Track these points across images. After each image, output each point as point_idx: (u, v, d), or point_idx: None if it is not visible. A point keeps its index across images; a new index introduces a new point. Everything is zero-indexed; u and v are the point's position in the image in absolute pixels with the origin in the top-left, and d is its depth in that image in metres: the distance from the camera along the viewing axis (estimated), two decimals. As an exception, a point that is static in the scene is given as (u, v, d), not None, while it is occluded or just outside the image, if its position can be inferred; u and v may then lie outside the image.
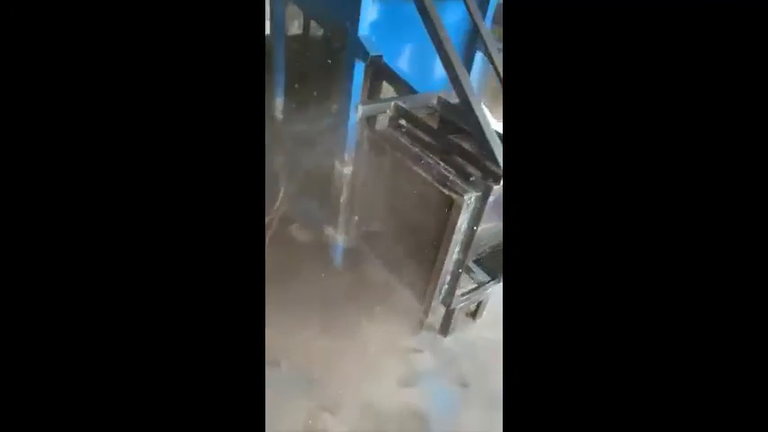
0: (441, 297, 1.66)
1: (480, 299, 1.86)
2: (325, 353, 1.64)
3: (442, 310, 1.79)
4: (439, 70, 1.75)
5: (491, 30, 1.82)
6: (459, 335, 1.85)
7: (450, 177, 1.46)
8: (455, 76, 1.44)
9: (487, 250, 1.76)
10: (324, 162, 1.78)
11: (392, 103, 1.71)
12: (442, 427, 1.52)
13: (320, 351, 1.65)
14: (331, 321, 1.75)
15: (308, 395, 1.51)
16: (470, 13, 1.64)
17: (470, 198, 1.40)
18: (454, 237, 1.46)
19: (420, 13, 1.45)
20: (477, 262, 1.85)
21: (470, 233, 1.50)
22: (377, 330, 1.77)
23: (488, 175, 1.42)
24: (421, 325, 1.84)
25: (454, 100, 1.73)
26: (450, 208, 1.42)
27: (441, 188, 1.42)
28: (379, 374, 1.63)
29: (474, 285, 1.78)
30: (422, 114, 1.72)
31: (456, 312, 1.79)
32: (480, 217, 1.46)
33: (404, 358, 1.71)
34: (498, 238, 1.68)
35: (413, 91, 1.71)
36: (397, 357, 1.70)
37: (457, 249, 1.53)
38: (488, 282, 1.81)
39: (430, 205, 1.49)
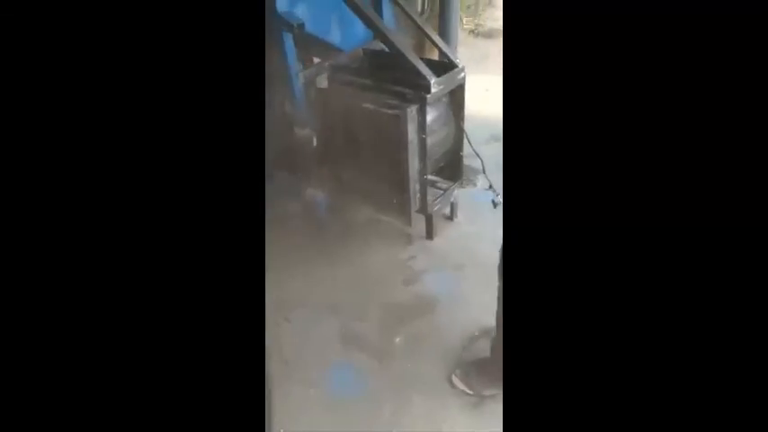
0: (416, 207, 1.98)
1: (450, 201, 2.19)
2: (337, 281, 1.94)
3: (423, 219, 2.11)
4: (357, 30, 2.06)
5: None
6: (444, 235, 2.18)
7: (392, 102, 1.77)
8: (373, 24, 1.74)
9: (442, 161, 2.09)
10: (285, 132, 2.05)
11: (327, 64, 2.00)
12: (450, 300, 1.85)
13: (332, 281, 1.95)
14: (333, 259, 2.05)
15: (335, 315, 1.81)
16: None
17: (411, 110, 1.72)
18: (410, 147, 1.77)
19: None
20: (436, 173, 2.18)
21: (422, 142, 1.81)
22: (373, 254, 2.08)
23: (420, 90, 1.73)
24: (410, 238, 2.16)
25: (376, 48, 2.05)
26: (398, 124, 1.72)
27: (387, 111, 1.73)
28: (387, 283, 1.94)
29: (441, 192, 2.11)
30: (354, 66, 2.02)
31: (433, 218, 2.12)
32: (425, 125, 1.78)
33: (402, 266, 2.03)
34: (446, 146, 2.01)
35: (341, 50, 2.02)
36: (397, 267, 2.02)
37: (416, 160, 1.85)
38: (452, 185, 2.14)
39: (383, 131, 1.79)
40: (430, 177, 2.16)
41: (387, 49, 1.88)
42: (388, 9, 2.16)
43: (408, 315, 1.78)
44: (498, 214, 2.13)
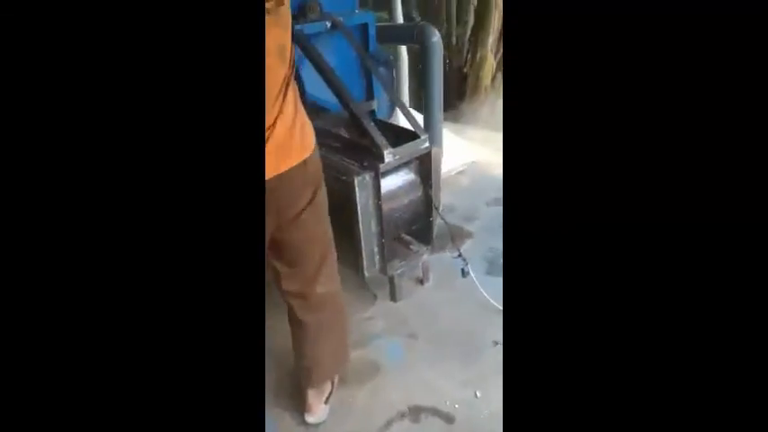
0: (377, 268, 1.99)
1: (419, 265, 2.18)
2: (286, 331, 1.98)
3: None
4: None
5: (377, 49, 2.24)
6: (410, 299, 2.16)
7: (351, 167, 1.83)
8: (337, 90, 1.85)
9: (412, 226, 2.10)
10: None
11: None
12: (391, 370, 1.82)
13: (283, 329, 1.99)
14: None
15: (276, 365, 1.85)
16: (351, 44, 2.06)
17: (364, 177, 1.77)
18: (361, 212, 1.81)
19: (303, 50, 1.88)
20: (412, 234, 2.19)
21: (378, 207, 1.85)
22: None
23: (375, 158, 1.78)
24: (374, 298, 2.17)
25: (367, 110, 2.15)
26: (350, 190, 1.78)
27: (341, 177, 1.80)
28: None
29: (411, 254, 2.11)
30: (336, 128, 2.13)
31: (398, 279, 2.11)
32: (379, 192, 1.82)
33: (358, 326, 2.03)
34: (412, 211, 2.02)
35: (327, 109, 2.15)
36: (354, 326, 2.02)
37: (373, 223, 1.88)
38: (421, 250, 2.13)
39: (341, 194, 1.86)
40: (405, 238, 2.18)
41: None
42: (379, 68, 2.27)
43: (343, 380, 1.78)
44: (469, 283, 2.08)
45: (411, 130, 1.99)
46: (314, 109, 2.18)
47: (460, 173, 3.21)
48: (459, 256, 2.12)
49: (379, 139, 1.77)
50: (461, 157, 3.28)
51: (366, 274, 1.95)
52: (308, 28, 1.94)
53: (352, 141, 1.95)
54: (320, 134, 2.08)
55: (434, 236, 2.16)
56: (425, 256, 2.17)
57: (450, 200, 2.86)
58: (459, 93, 5.01)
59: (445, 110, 5.20)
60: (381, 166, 1.77)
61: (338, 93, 1.84)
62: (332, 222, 1.98)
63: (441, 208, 2.15)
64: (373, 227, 1.89)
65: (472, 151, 3.40)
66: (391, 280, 2.10)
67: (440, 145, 2.58)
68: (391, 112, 2.53)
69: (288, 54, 1.19)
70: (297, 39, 1.88)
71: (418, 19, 5.20)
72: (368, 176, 1.78)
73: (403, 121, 2.39)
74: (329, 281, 1.55)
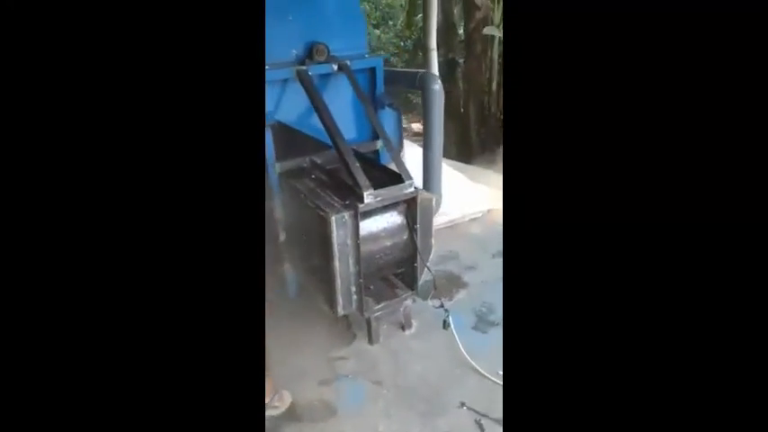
0: (353, 307, 1.98)
1: (400, 310, 2.13)
2: (271, 361, 2.00)
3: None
4: (350, 129, 2.25)
5: (384, 91, 2.30)
6: (386, 343, 2.11)
7: (333, 204, 1.86)
8: (327, 128, 1.91)
9: (394, 269, 2.08)
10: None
11: (308, 158, 2.20)
12: (349, 412, 1.77)
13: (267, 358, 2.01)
14: (281, 337, 2.12)
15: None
16: (353, 87, 2.12)
17: (343, 216, 1.78)
18: (338, 250, 1.82)
19: (304, 90, 1.97)
20: (398, 276, 2.16)
21: (356, 247, 1.85)
22: (307, 344, 2.11)
23: (358, 199, 1.80)
24: (352, 338, 2.14)
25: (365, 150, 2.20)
26: (327, 226, 1.80)
27: (321, 212, 1.83)
28: (305, 376, 1.94)
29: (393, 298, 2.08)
30: (333, 165, 2.18)
31: (376, 322, 2.08)
32: (357, 232, 1.82)
33: (328, 364, 2.01)
34: (396, 255, 2.00)
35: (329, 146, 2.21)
36: (322, 364, 2.01)
37: (351, 262, 1.89)
38: (404, 295, 2.09)
39: (320, 229, 1.88)
40: (391, 280, 2.16)
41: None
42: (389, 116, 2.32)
43: (296, 415, 1.75)
44: (449, 336, 2.01)
45: (396, 173, 2.00)
46: (316, 145, 2.25)
47: (473, 220, 3.15)
48: (441, 306, 2.06)
49: (361, 179, 1.80)
50: (477, 205, 3.23)
51: (340, 311, 1.94)
52: (313, 69, 2.03)
53: (342, 180, 1.99)
54: (316, 169, 2.16)
55: (420, 282, 2.12)
56: (408, 302, 2.13)
57: (455, 247, 2.81)
58: (497, 138, 4.98)
59: (480, 154, 5.19)
60: (361, 206, 1.78)
61: (328, 131, 1.90)
62: (313, 256, 2.01)
63: (435, 254, 2.12)
64: (351, 266, 1.89)
65: (491, 198, 3.33)
66: (369, 322, 2.07)
67: (437, 191, 2.56)
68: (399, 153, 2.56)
69: None
70: (300, 78, 1.98)
71: (461, 61, 5.28)
72: (347, 215, 1.79)
73: (416, 165, 2.40)
74: None
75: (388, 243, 1.97)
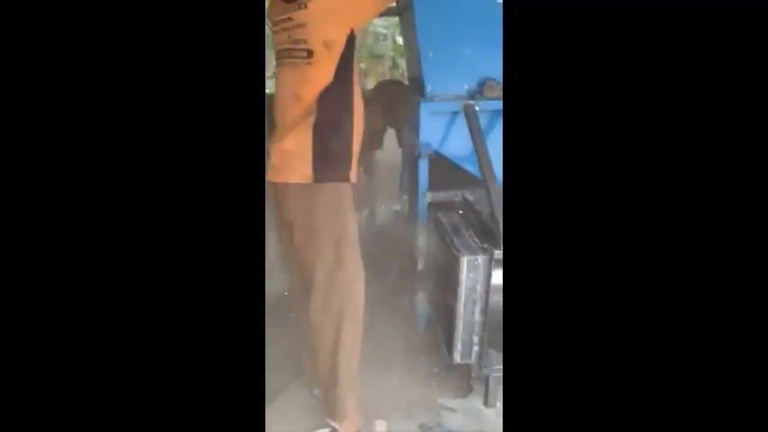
0: (472, 357, 1.82)
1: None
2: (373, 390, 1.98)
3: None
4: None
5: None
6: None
7: (471, 245, 1.75)
8: (481, 167, 1.82)
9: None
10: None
11: (459, 193, 2.14)
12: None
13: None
14: (394, 366, 2.09)
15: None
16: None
17: (475, 259, 1.66)
18: (465, 294, 1.70)
19: (468, 124, 1.93)
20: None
21: (485, 294, 1.70)
22: (424, 383, 2.00)
23: (494, 244, 1.66)
24: (469, 390, 1.96)
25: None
26: (458, 265, 1.70)
27: (455, 250, 1.74)
28: (407, 416, 1.85)
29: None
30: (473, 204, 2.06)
31: (496, 383, 1.86)
32: (488, 279, 1.67)
33: (434, 410, 1.87)
34: None
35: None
36: (430, 408, 1.88)
37: (477, 309, 1.74)
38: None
39: (451, 267, 1.79)
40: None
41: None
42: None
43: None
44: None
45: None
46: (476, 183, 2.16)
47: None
48: None
49: (501, 225, 1.65)
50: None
51: (456, 359, 1.81)
52: (482, 105, 1.98)
53: (487, 222, 1.86)
54: (465, 206, 2.07)
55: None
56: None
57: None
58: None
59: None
60: (497, 252, 1.64)
61: (482, 170, 1.80)
62: (443, 293, 1.92)
63: None
64: (477, 314, 1.75)
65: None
66: (487, 379, 1.87)
67: None
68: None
69: (304, 98, 1.44)
70: (466, 113, 1.95)
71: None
72: (480, 259, 1.67)
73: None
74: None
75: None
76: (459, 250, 1.72)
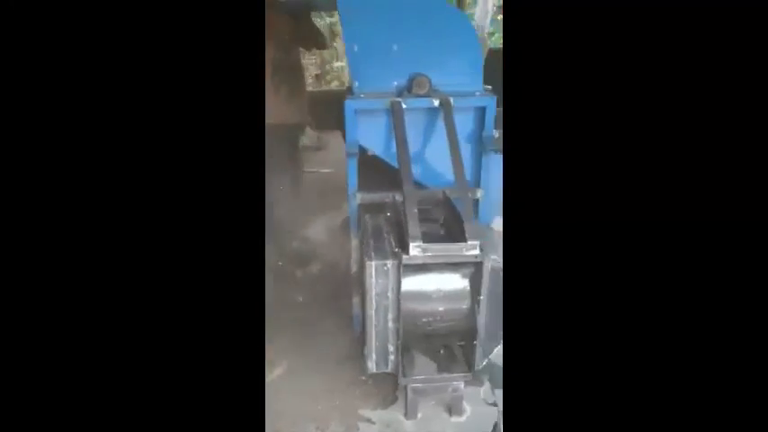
0: (389, 367, 1.73)
1: (447, 389, 1.77)
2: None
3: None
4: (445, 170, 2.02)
5: (494, 135, 1.99)
6: (424, 423, 1.78)
7: (384, 249, 1.67)
8: (401, 166, 1.73)
9: (458, 342, 1.75)
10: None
11: (392, 195, 2.05)
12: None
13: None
14: (322, 376, 2.01)
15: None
16: (447, 127, 1.89)
17: (384, 264, 1.58)
18: (375, 300, 1.62)
19: (394, 126, 1.84)
20: (448, 348, 1.82)
21: (396, 302, 1.62)
22: (348, 392, 1.93)
23: (404, 249, 1.57)
24: (393, 401, 1.88)
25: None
26: (366, 271, 1.62)
27: (365, 255, 1.65)
28: (321, 425, 1.78)
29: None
30: (425, 206, 1.96)
31: (415, 395, 1.77)
32: (398, 286, 1.58)
33: (352, 422, 1.79)
34: (460, 328, 1.68)
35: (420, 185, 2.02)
36: (348, 418, 1.80)
37: (390, 317, 1.65)
38: (456, 374, 1.74)
39: (363, 272, 1.70)
40: (454, 353, 1.86)
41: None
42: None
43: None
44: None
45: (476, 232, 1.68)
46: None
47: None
48: (495, 404, 1.64)
49: (413, 228, 1.57)
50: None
51: (371, 368, 1.72)
52: (410, 102, 1.89)
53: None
54: (394, 208, 1.98)
55: (482, 366, 1.74)
56: (460, 384, 1.76)
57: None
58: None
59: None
60: (405, 257, 1.55)
61: (401, 169, 1.72)
62: (360, 296, 1.84)
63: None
64: (390, 321, 1.66)
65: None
66: (406, 391, 1.78)
67: None
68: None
69: None
70: (392, 110, 1.86)
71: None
72: (390, 264, 1.59)
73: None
74: None
75: (441, 308, 1.67)
76: (368, 255, 1.63)
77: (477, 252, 1.57)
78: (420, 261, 1.57)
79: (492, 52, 3.88)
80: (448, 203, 1.87)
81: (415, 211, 1.63)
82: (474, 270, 1.63)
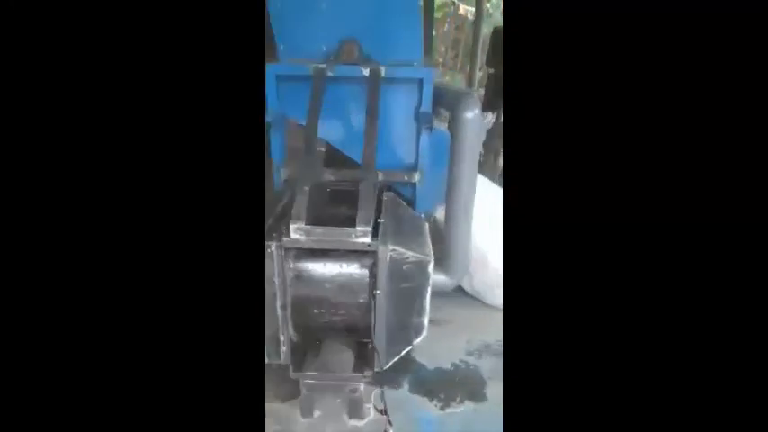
0: (282, 359, 1.59)
1: (344, 390, 1.61)
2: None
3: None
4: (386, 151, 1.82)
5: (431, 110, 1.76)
6: (319, 423, 1.63)
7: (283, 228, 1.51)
8: (305, 142, 1.56)
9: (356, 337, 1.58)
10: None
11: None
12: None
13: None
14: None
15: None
16: (369, 99, 1.68)
17: (268, 245, 1.42)
18: (267, 283, 1.46)
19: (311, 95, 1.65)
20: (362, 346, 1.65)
21: (282, 289, 1.46)
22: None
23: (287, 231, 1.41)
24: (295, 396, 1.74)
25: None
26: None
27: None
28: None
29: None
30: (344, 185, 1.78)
31: (311, 391, 1.62)
32: (283, 269, 1.43)
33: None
34: (357, 324, 1.51)
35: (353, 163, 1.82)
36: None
37: (277, 304, 1.50)
38: (351, 374, 1.57)
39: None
40: (362, 351, 1.70)
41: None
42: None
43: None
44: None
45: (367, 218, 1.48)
46: (345, 160, 1.88)
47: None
48: (383, 412, 1.46)
49: (297, 209, 1.39)
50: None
51: (265, 357, 1.58)
52: (337, 70, 1.69)
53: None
54: (322, 187, 1.81)
55: (387, 366, 1.56)
56: (359, 385, 1.59)
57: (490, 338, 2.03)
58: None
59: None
60: (286, 240, 1.39)
61: (305, 141, 1.54)
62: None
63: (421, 337, 1.54)
64: (277, 309, 1.51)
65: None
66: (299, 385, 1.63)
67: (457, 260, 1.79)
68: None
69: None
70: (313, 78, 1.68)
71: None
72: (274, 247, 1.43)
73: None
74: None
75: (335, 300, 1.50)
76: (267, 234, 1.48)
77: (367, 240, 1.39)
78: (302, 245, 1.40)
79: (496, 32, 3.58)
80: (373, 187, 1.67)
81: (307, 188, 1.45)
82: (372, 261, 1.45)
